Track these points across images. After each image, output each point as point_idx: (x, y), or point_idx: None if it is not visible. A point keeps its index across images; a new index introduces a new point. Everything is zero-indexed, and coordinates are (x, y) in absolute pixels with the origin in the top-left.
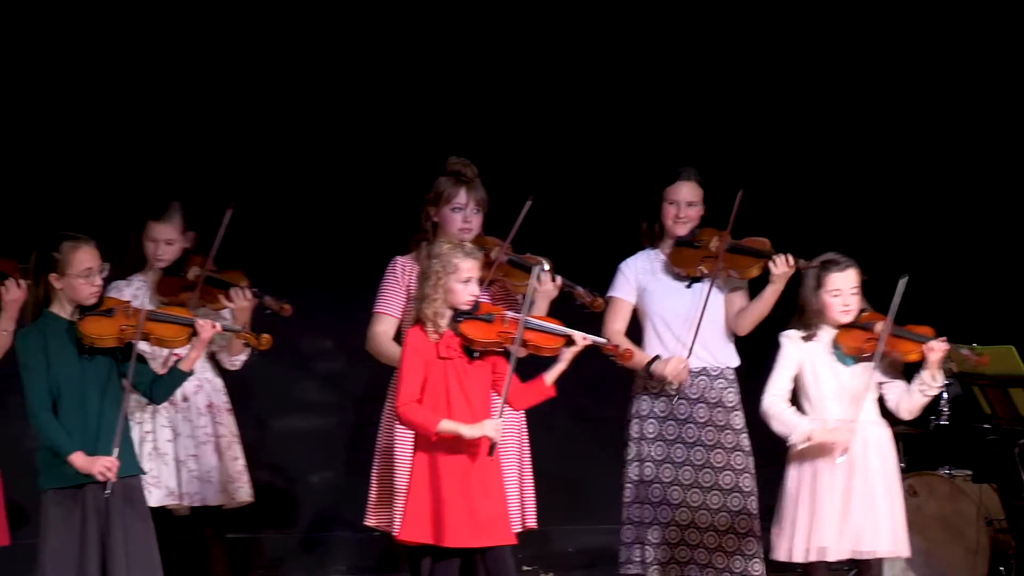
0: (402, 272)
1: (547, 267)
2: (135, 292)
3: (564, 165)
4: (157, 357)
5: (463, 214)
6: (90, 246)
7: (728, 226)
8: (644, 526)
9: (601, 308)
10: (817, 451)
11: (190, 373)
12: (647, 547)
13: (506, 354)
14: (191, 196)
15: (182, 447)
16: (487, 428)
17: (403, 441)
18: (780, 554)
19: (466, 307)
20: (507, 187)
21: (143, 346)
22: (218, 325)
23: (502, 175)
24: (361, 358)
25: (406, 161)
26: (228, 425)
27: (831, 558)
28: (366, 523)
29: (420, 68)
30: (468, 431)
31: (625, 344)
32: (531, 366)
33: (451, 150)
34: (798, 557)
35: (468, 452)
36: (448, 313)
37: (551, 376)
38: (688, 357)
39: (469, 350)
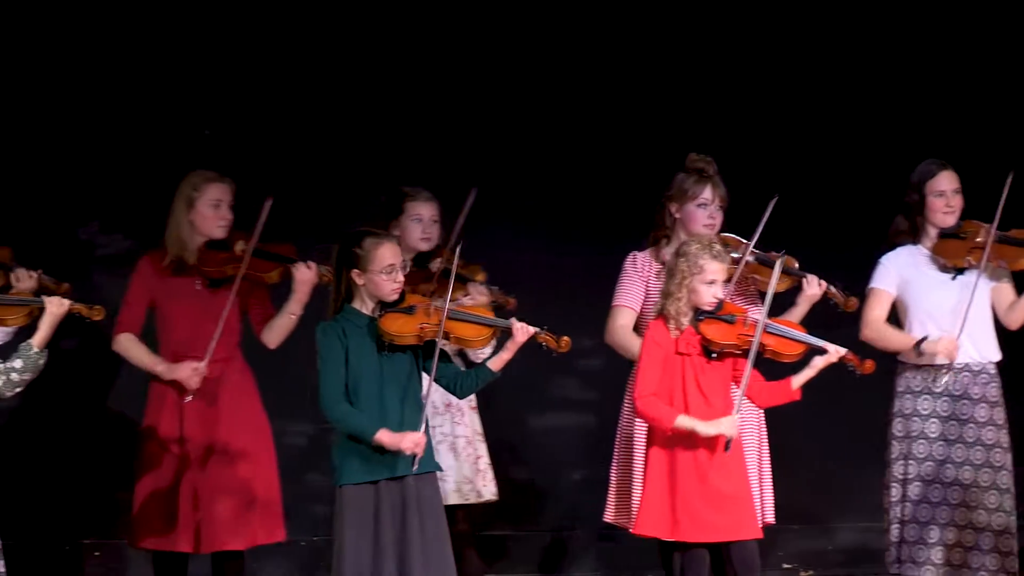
0: (642, 266)
1: (796, 265)
2: None
3: (804, 162)
4: None
5: (708, 210)
6: (392, 242)
7: (996, 216)
8: (908, 524)
9: (854, 308)
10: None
11: (498, 374)
12: (915, 546)
13: (746, 353)
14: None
15: None
16: (723, 426)
17: (643, 436)
18: None
19: (709, 307)
20: (747, 185)
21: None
22: (531, 328)
23: (742, 173)
24: (620, 356)
25: (643, 159)
26: (470, 424)
27: None
28: (605, 519)
29: (660, 65)
30: (704, 428)
31: (883, 331)
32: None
33: (684, 147)
34: None
35: (705, 445)
36: (690, 312)
37: (798, 381)
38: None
39: (707, 349)
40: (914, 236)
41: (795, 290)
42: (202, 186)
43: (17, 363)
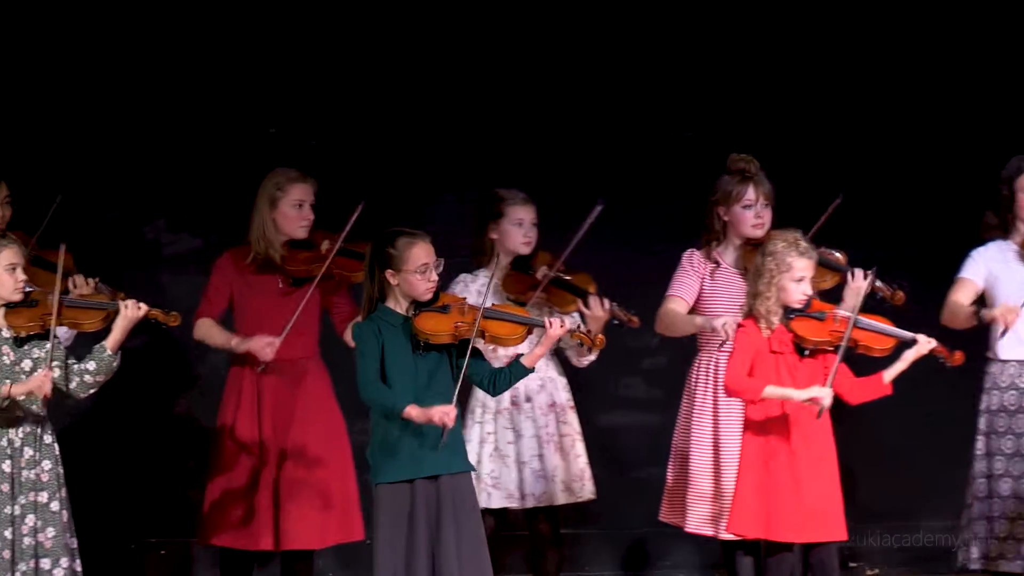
0: (698, 263)
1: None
2: (480, 288)
3: (867, 161)
4: None
5: (754, 210)
6: (426, 242)
7: None
8: (996, 520)
9: (902, 302)
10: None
11: (532, 370)
12: (1006, 542)
13: (838, 349)
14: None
15: (525, 448)
16: (815, 390)
17: (699, 437)
18: None
19: (798, 305)
20: (811, 183)
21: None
22: (567, 324)
23: (806, 170)
24: (686, 356)
25: (711, 159)
26: (572, 423)
27: None
28: (660, 518)
29: (734, 65)
30: (797, 394)
31: (952, 308)
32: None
33: (751, 147)
34: None
35: (797, 443)
36: (780, 310)
37: (890, 375)
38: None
39: (800, 347)
40: (1004, 231)
41: (839, 287)
42: (286, 186)
43: (91, 365)
